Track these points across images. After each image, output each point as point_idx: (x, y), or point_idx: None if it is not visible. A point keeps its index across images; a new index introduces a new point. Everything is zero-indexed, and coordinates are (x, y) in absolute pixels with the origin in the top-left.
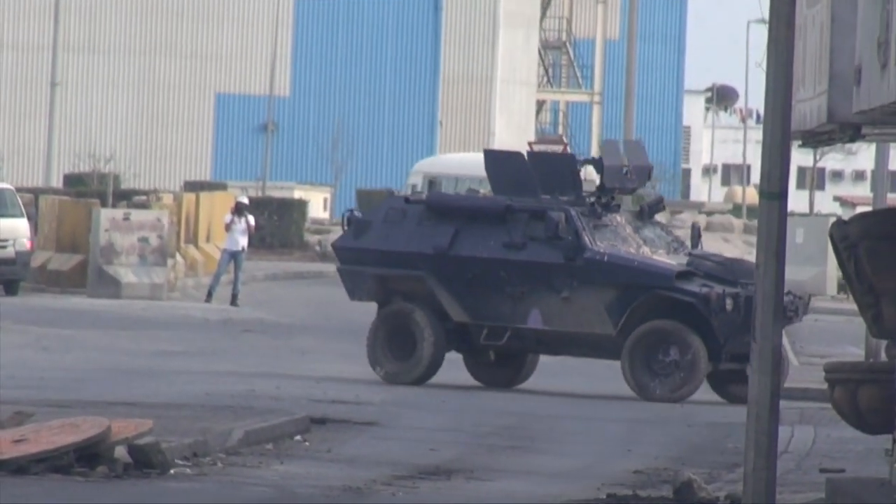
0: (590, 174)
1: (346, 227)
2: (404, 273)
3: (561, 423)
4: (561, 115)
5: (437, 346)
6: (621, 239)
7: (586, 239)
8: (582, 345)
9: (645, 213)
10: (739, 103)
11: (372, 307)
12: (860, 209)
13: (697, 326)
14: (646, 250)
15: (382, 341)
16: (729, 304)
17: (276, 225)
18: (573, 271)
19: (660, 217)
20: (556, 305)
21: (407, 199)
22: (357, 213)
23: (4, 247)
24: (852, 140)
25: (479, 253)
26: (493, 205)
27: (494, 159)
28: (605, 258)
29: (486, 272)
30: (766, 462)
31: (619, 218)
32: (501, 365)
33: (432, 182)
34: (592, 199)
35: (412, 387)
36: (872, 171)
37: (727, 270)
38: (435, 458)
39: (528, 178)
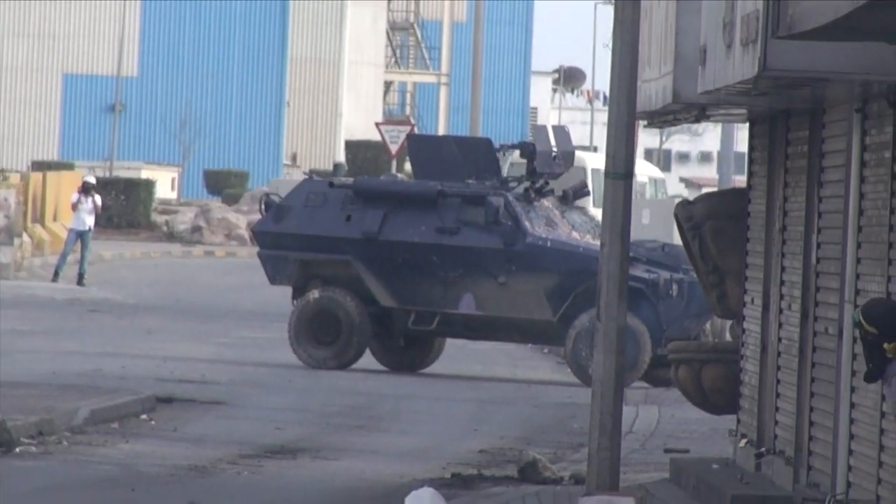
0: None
1: (264, 211)
2: (330, 258)
3: (408, 402)
4: (409, 96)
5: (363, 330)
6: (553, 224)
7: (526, 224)
8: (517, 330)
9: (569, 198)
10: (586, 85)
11: (223, 289)
12: (706, 191)
13: (641, 312)
14: (575, 235)
15: (306, 326)
16: (675, 289)
17: (124, 205)
18: (512, 256)
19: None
20: (492, 290)
21: (331, 184)
22: (274, 197)
23: None
24: (697, 120)
25: (410, 238)
26: (425, 189)
27: (419, 144)
28: (548, 244)
29: (417, 257)
30: (610, 442)
31: (547, 203)
32: (410, 349)
33: (337, 165)
34: (527, 184)
35: (259, 366)
36: (718, 153)
37: (668, 256)
38: (281, 438)
39: (454, 162)
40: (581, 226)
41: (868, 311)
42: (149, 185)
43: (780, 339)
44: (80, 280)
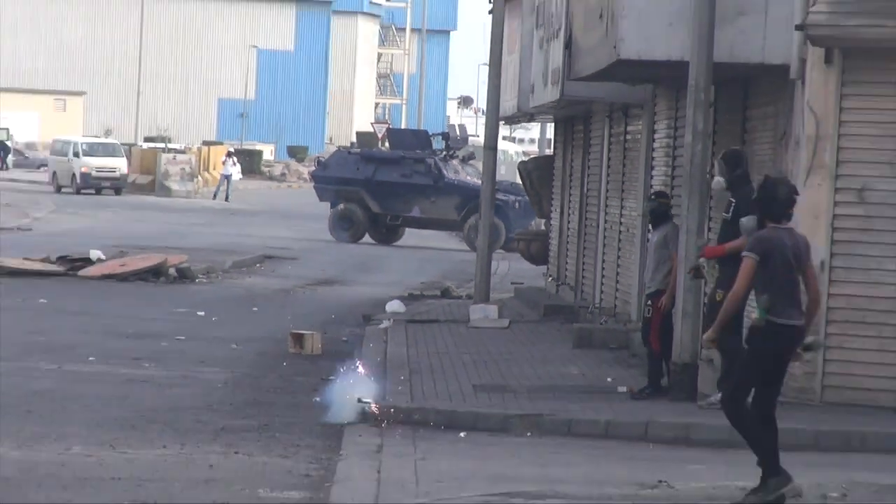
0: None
1: (316, 165)
2: (348, 189)
3: (387, 259)
4: (386, 110)
5: (364, 223)
6: (457, 172)
7: (445, 172)
8: (440, 225)
9: (466, 160)
10: (474, 104)
11: (297, 204)
12: (532, 156)
13: (501, 216)
14: (468, 178)
15: (337, 221)
16: (517, 205)
17: (248, 162)
18: (438, 188)
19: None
20: (428, 204)
21: (349, 152)
22: (321, 159)
23: (114, 171)
24: (529, 120)
25: (387, 179)
26: (395, 155)
27: (394, 133)
28: (455, 182)
29: (391, 188)
30: (485, 277)
31: (454, 162)
32: (388, 233)
33: (352, 143)
34: (445, 153)
35: (313, 241)
36: (539, 138)
37: (514, 188)
38: (324, 276)
39: (410, 142)
40: (472, 174)
41: (661, 193)
42: (260, 153)
43: (568, 228)
44: (227, 199)
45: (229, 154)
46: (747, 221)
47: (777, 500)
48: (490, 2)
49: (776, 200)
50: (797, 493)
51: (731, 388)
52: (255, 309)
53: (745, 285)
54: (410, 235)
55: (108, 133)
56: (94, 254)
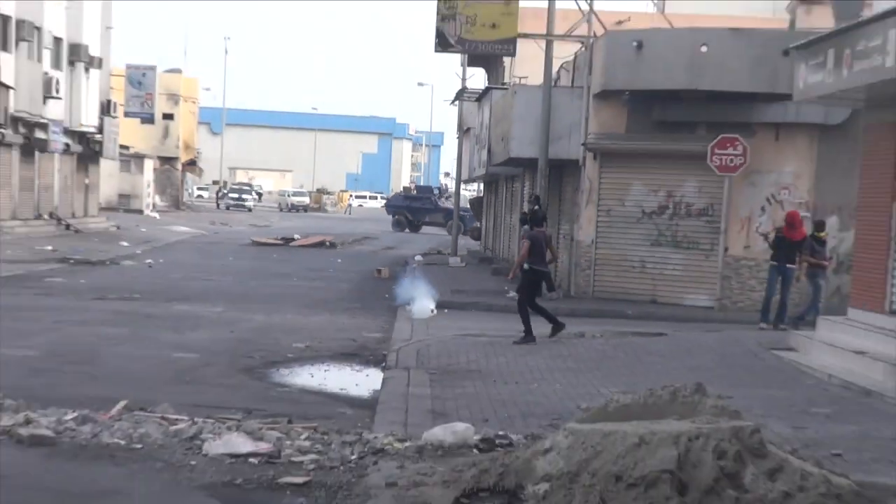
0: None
1: (387, 200)
2: (400, 209)
3: (415, 240)
4: (413, 178)
5: (405, 224)
6: (444, 202)
7: (438, 203)
8: (437, 225)
9: (447, 198)
10: (451, 174)
11: (378, 215)
12: (475, 195)
13: (464, 221)
14: (449, 205)
15: (394, 223)
16: (468, 216)
17: (363, 202)
18: (436, 209)
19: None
20: (432, 215)
21: (399, 194)
22: (388, 197)
23: (304, 202)
24: (474, 181)
25: (415, 206)
26: (418, 195)
27: (418, 187)
28: (443, 206)
29: (416, 209)
30: (455, 246)
31: (443, 199)
32: (415, 226)
33: (400, 191)
34: (438, 194)
35: (384, 231)
36: (478, 188)
37: (467, 209)
38: (389, 245)
39: (424, 191)
40: (450, 204)
41: (525, 212)
42: (363, 198)
43: (487, 226)
44: (350, 213)
45: (350, 195)
46: (526, 228)
47: (528, 340)
48: (457, 133)
49: (537, 217)
50: (578, 334)
51: (521, 297)
52: (360, 259)
53: (526, 252)
54: (425, 230)
55: (301, 186)
56: (296, 235)
